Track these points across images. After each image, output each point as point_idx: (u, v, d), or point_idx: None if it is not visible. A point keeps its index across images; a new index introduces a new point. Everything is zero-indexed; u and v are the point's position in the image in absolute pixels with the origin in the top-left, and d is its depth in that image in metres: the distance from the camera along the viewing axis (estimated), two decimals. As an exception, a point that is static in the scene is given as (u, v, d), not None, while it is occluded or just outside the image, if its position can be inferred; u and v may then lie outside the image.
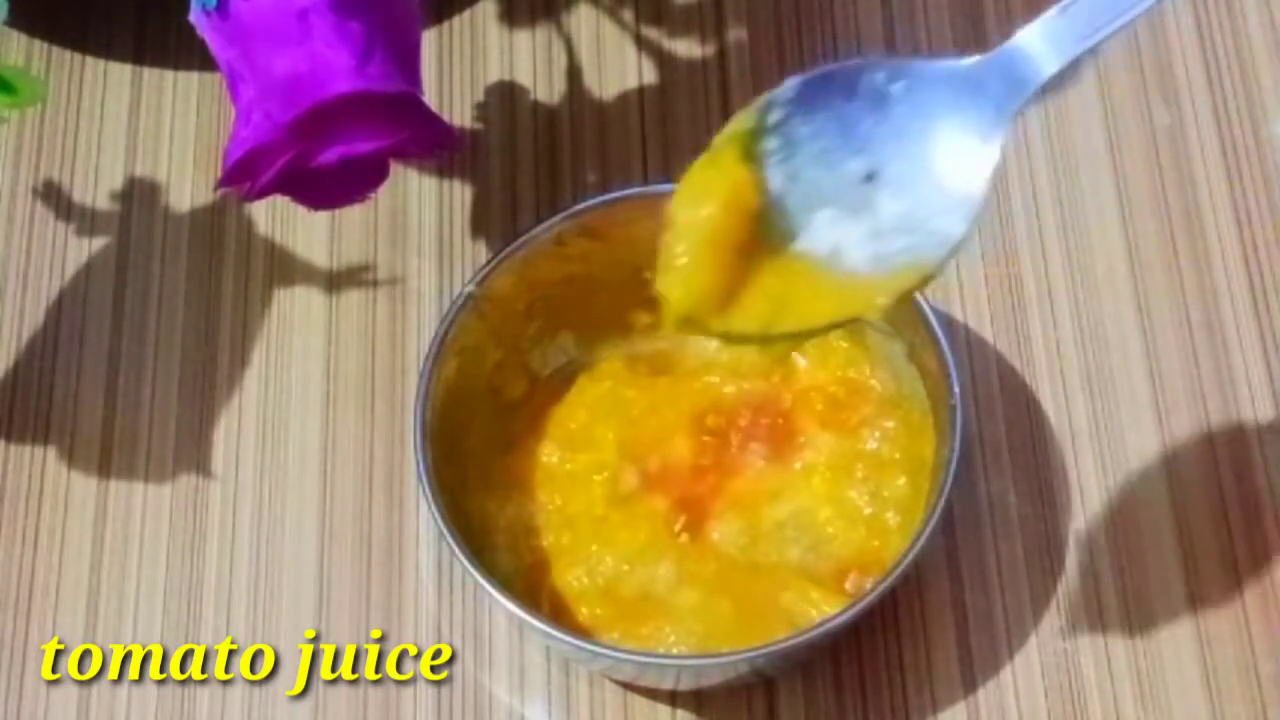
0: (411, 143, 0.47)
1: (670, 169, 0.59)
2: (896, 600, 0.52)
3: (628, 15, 0.62)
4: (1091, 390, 0.55)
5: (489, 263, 0.52)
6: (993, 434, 0.55)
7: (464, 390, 0.52)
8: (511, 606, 0.48)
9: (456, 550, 0.48)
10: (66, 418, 0.57)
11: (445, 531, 0.49)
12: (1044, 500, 0.54)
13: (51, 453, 0.56)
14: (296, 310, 0.58)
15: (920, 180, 0.40)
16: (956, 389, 0.48)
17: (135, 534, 0.55)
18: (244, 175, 0.47)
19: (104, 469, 0.56)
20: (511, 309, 0.53)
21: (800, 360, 0.54)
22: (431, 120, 0.48)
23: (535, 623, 0.48)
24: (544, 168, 0.60)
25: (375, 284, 0.58)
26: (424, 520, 0.55)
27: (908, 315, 0.50)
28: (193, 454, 0.56)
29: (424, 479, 0.49)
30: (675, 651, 0.50)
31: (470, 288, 0.51)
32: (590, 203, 0.53)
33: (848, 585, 0.50)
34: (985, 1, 0.62)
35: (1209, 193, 0.58)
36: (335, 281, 0.59)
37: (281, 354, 0.58)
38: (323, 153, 0.46)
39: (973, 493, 0.54)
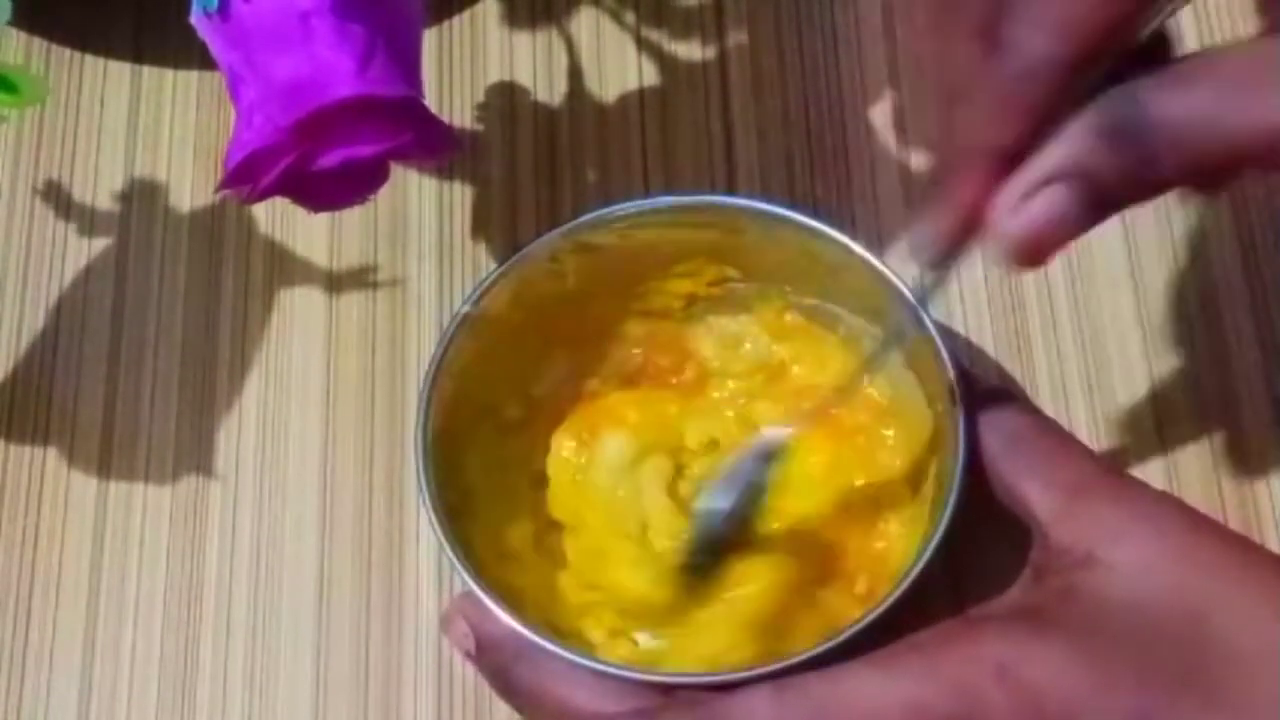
0: (413, 146, 0.47)
1: (670, 170, 0.59)
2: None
3: (628, 17, 0.62)
4: (1091, 391, 0.55)
5: (484, 281, 0.51)
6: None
7: (462, 412, 0.51)
8: (518, 627, 0.47)
9: (466, 575, 0.48)
10: (66, 418, 0.57)
11: (451, 554, 0.48)
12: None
13: (51, 453, 0.56)
14: (296, 310, 0.58)
15: None
16: (961, 401, 0.48)
17: (135, 534, 0.55)
18: (245, 178, 0.47)
19: (104, 469, 0.56)
20: (506, 327, 0.52)
21: (795, 369, 0.54)
22: (433, 124, 0.48)
23: (546, 644, 0.47)
24: (544, 168, 0.60)
25: (375, 284, 0.58)
26: (424, 520, 0.54)
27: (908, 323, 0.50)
28: (193, 454, 0.56)
29: (427, 504, 0.49)
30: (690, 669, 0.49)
31: (466, 308, 0.51)
32: (584, 219, 0.52)
33: (858, 590, 0.50)
34: None
35: (1208, 194, 0.58)
36: (335, 282, 0.59)
37: (281, 354, 0.58)
38: (324, 156, 0.46)
39: (972, 494, 0.53)
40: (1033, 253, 0.41)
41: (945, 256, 0.43)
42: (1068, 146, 0.39)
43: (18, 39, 0.63)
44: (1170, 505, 0.45)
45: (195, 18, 0.47)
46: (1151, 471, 0.54)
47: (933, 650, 0.43)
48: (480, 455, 0.52)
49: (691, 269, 0.53)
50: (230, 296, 0.59)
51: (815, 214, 0.51)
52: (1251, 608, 0.41)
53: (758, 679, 0.47)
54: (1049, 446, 0.47)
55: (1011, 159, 0.40)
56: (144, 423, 0.57)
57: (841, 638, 0.45)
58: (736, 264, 0.53)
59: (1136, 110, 0.38)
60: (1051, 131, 0.39)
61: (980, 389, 0.49)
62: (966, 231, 0.42)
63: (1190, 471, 0.54)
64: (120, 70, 0.63)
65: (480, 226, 0.59)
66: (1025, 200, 0.39)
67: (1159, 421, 0.55)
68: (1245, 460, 0.54)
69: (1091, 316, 0.57)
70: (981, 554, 0.51)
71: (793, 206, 0.51)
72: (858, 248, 0.50)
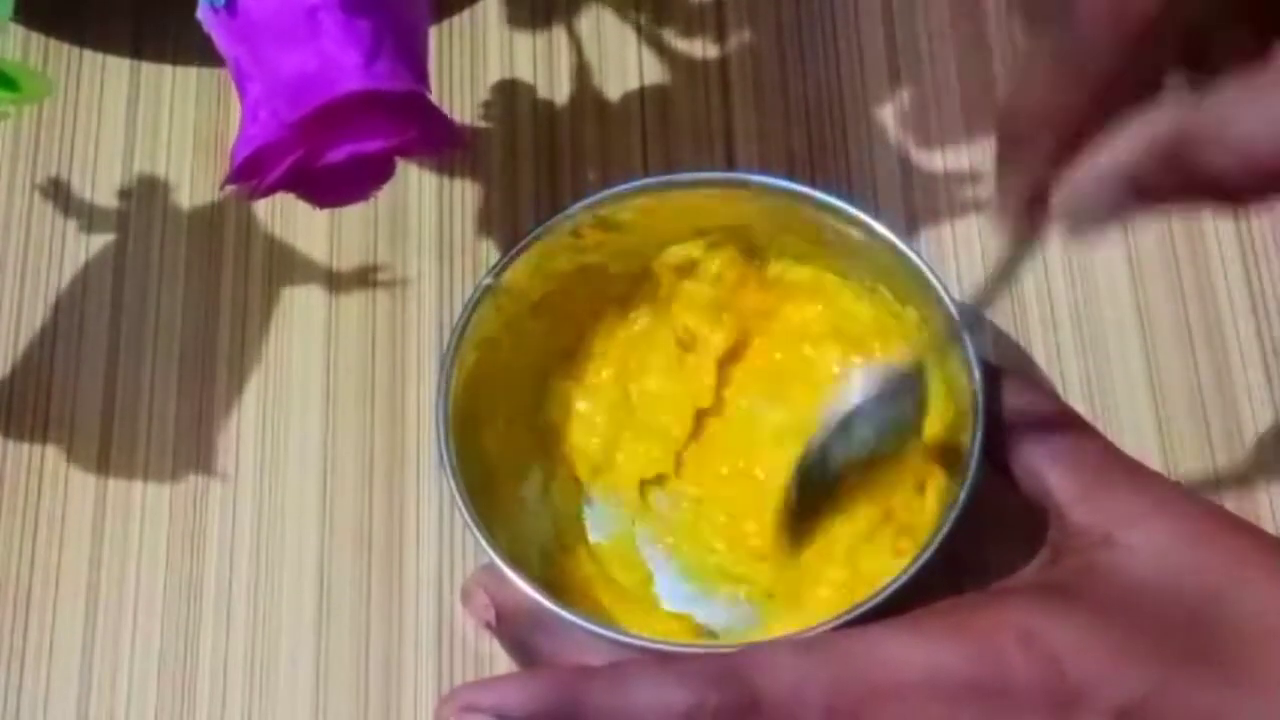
0: (419, 142, 0.47)
1: (670, 168, 0.59)
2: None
3: (629, 14, 0.62)
4: (1091, 393, 0.56)
5: (507, 254, 0.51)
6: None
7: (481, 386, 0.51)
8: (538, 597, 0.47)
9: (485, 544, 0.47)
10: (66, 413, 0.57)
11: (472, 523, 0.48)
12: (1043, 500, 0.54)
13: (51, 449, 0.56)
14: (296, 308, 0.58)
15: None
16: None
17: (135, 530, 0.55)
18: (251, 173, 0.47)
19: (103, 465, 0.56)
20: (525, 301, 0.52)
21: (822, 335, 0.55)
22: (439, 119, 0.48)
23: (565, 614, 0.47)
24: (544, 166, 0.60)
25: (375, 282, 0.58)
26: (424, 519, 0.55)
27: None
28: (193, 452, 0.56)
29: (449, 475, 0.48)
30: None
31: (488, 280, 0.51)
32: (607, 193, 0.52)
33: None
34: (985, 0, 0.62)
35: (1208, 195, 0.58)
36: (335, 279, 0.59)
37: (281, 352, 0.58)
38: (330, 151, 0.46)
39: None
40: (1088, 236, 0.41)
41: (1020, 234, 0.43)
42: (1124, 150, 0.38)
43: (16, 34, 0.63)
44: (1185, 493, 0.46)
45: (202, 12, 0.47)
46: (1151, 471, 0.54)
47: (957, 616, 0.43)
48: (498, 429, 0.52)
49: (712, 243, 0.53)
50: (230, 293, 0.58)
51: (836, 193, 0.51)
52: (1266, 589, 0.42)
53: None
54: (1070, 434, 0.48)
55: (1076, 137, 0.40)
56: (143, 419, 0.57)
57: (854, 614, 0.46)
58: (758, 240, 0.53)
59: (1199, 120, 0.37)
60: (1119, 108, 0.39)
61: (1004, 377, 0.49)
62: (1036, 208, 0.42)
63: (1190, 471, 0.54)
64: (119, 66, 0.62)
65: (481, 223, 0.59)
66: (1079, 191, 0.40)
67: (1159, 421, 0.55)
68: (1245, 460, 0.54)
69: (1091, 316, 0.57)
70: (981, 552, 0.51)
71: (813, 185, 0.52)
72: (880, 226, 0.50)
